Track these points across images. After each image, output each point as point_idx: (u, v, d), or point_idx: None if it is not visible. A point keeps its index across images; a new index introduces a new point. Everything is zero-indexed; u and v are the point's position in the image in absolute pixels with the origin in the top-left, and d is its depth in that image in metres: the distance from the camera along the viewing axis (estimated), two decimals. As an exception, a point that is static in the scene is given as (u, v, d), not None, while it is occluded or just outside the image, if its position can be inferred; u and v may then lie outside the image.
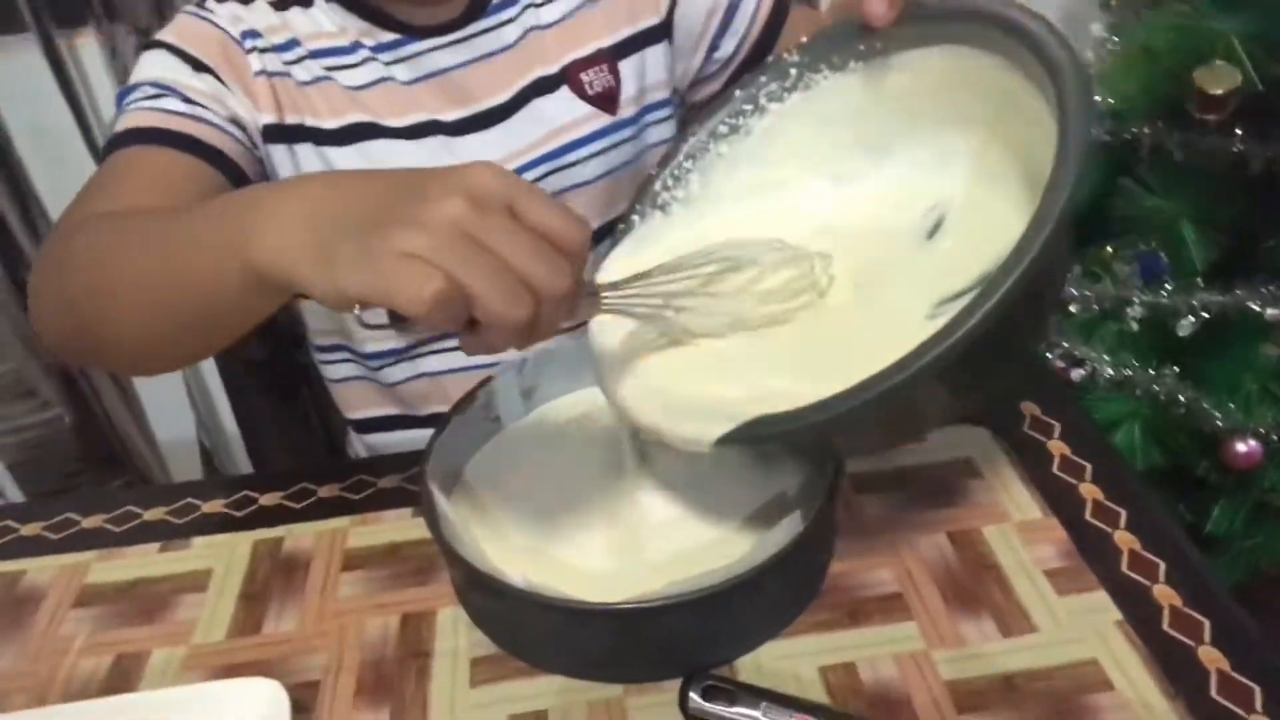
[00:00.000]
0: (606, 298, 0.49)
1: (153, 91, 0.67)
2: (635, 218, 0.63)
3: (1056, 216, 0.40)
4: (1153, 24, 1.23)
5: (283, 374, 0.99)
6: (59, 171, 1.31)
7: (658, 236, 0.61)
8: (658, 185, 0.63)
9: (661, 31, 0.79)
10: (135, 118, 0.66)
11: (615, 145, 0.78)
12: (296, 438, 1.14)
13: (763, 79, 0.61)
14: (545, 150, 0.76)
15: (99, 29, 1.23)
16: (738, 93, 0.62)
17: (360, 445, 0.91)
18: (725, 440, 0.48)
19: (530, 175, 0.76)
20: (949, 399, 0.48)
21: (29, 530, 0.69)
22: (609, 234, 0.80)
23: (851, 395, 0.43)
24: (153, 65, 0.70)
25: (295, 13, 0.74)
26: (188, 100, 0.67)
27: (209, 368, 1.44)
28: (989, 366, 0.46)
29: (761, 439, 0.48)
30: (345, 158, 0.73)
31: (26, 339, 1.38)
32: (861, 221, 0.59)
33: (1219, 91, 1.14)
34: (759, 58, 0.81)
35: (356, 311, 0.41)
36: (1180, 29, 1.18)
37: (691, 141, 0.62)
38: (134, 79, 0.70)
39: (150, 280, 0.52)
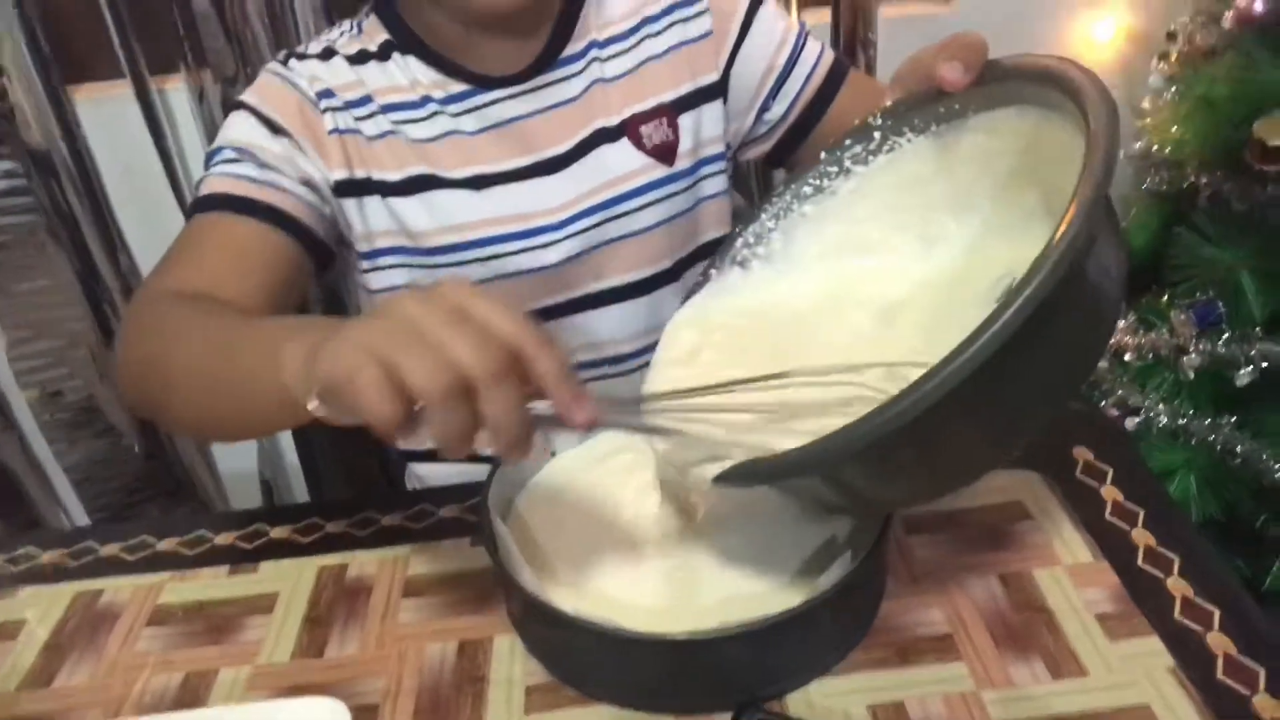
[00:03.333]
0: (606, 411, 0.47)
1: (232, 156, 0.73)
2: (713, 271, 0.64)
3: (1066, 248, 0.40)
4: (1210, 75, 1.23)
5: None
6: (145, 210, 1.38)
7: (734, 290, 0.62)
8: (738, 243, 0.64)
9: (717, 89, 0.82)
10: (215, 182, 0.73)
11: (670, 196, 0.80)
12: (355, 470, 1.18)
13: (847, 142, 0.62)
14: (602, 198, 0.79)
15: (188, 74, 1.30)
16: (823, 155, 0.62)
17: (415, 478, 0.93)
18: (721, 480, 0.48)
19: (587, 222, 0.78)
20: (978, 437, 0.46)
21: (107, 551, 0.72)
22: (662, 284, 0.82)
23: (829, 438, 0.42)
24: (235, 127, 0.75)
25: (371, 67, 0.78)
26: (262, 165, 0.73)
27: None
28: (1011, 398, 0.44)
29: (757, 479, 0.48)
30: (409, 208, 0.77)
31: (105, 369, 1.44)
32: (939, 283, 0.58)
33: (1278, 142, 1.13)
34: (809, 123, 0.83)
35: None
36: (1238, 81, 1.18)
37: (776, 202, 0.63)
38: (219, 140, 0.75)
39: (204, 382, 0.60)
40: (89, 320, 1.40)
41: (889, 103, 0.60)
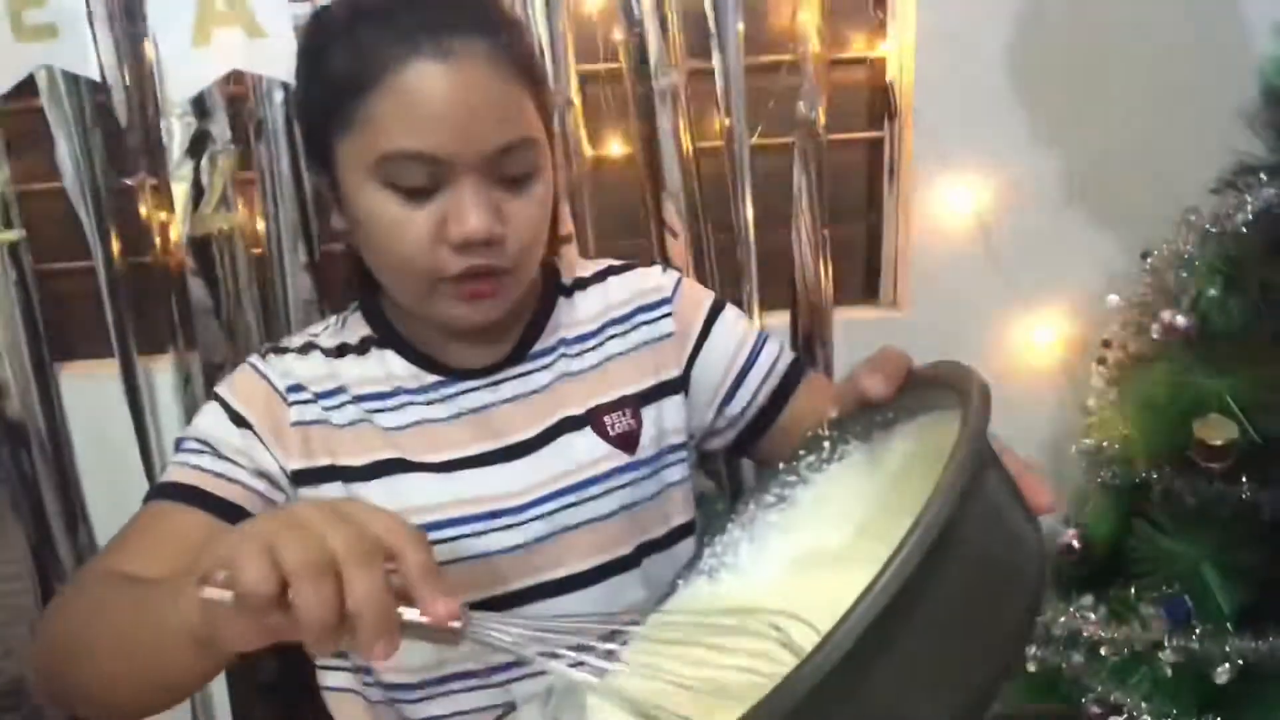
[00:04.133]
0: (475, 622, 0.48)
1: (194, 446, 0.77)
2: (679, 582, 0.64)
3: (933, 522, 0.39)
4: (1147, 380, 1.30)
5: (290, 697, 0.97)
6: (112, 483, 1.38)
7: (700, 599, 0.62)
8: (706, 554, 0.64)
9: (679, 384, 0.86)
10: (173, 471, 0.76)
11: (633, 483, 0.82)
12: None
13: (801, 452, 0.64)
14: (566, 484, 0.81)
15: (176, 356, 1.35)
16: (781, 466, 0.64)
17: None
18: None
19: (549, 507, 0.80)
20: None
21: None
22: (622, 570, 0.82)
23: None
24: (204, 418, 0.79)
25: (349, 360, 0.83)
26: (220, 457, 0.76)
27: (219, 691, 1.40)
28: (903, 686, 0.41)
29: None
30: (371, 492, 0.78)
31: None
32: None
33: (1219, 442, 1.19)
34: (768, 418, 0.88)
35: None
36: (1173, 386, 1.25)
37: (742, 513, 0.64)
38: (189, 429, 0.80)
39: (115, 641, 0.60)
40: (34, 595, 1.35)
41: (833, 414, 0.63)
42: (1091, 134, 1.48)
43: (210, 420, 0.78)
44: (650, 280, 0.89)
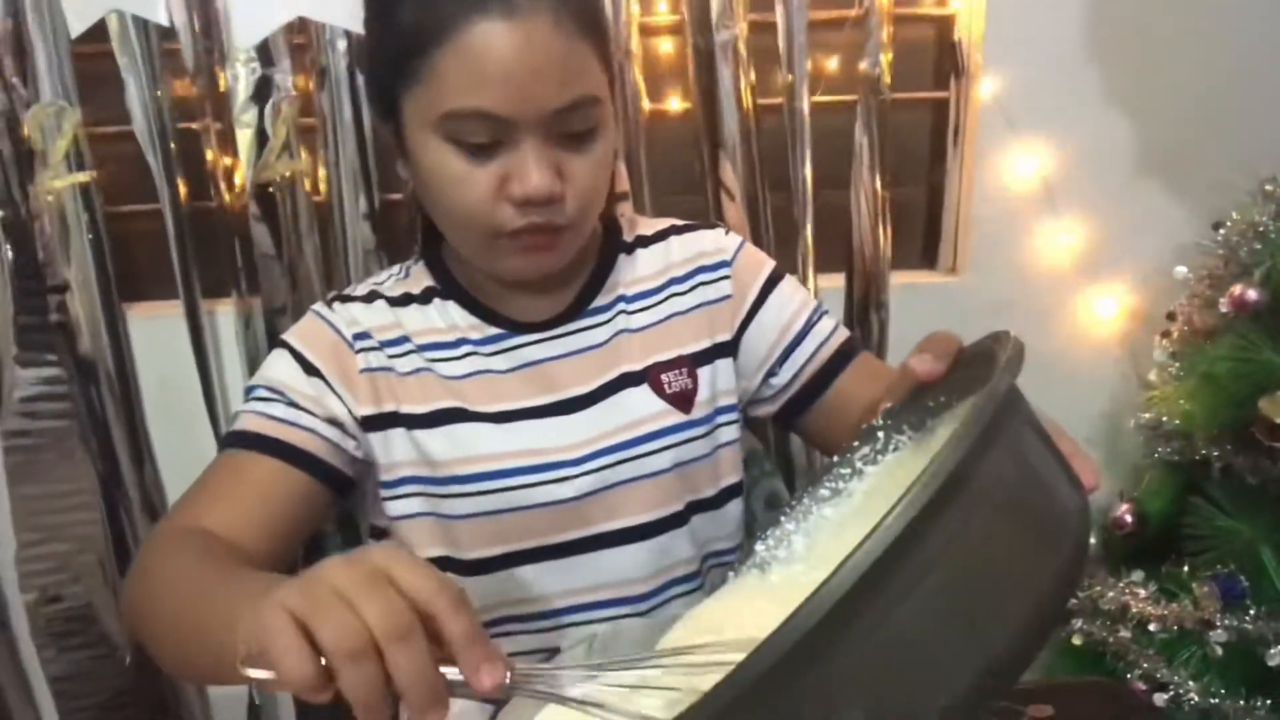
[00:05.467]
0: (521, 675, 0.45)
1: (266, 395, 0.78)
2: (731, 574, 0.64)
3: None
4: (1212, 354, 1.28)
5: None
6: (177, 423, 1.42)
7: (752, 593, 0.62)
8: (759, 546, 0.64)
9: (730, 347, 0.86)
10: (246, 420, 0.77)
11: (687, 441, 0.83)
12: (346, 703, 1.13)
13: (855, 444, 0.63)
14: (621, 439, 0.81)
15: (239, 300, 1.38)
16: (835, 459, 0.64)
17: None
18: None
19: (603, 461, 0.80)
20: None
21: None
22: (672, 527, 0.83)
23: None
24: (273, 366, 0.80)
25: (412, 309, 0.84)
26: (292, 404, 0.77)
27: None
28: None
29: None
30: (432, 439, 0.80)
31: (110, 577, 1.42)
32: None
33: (1284, 420, 1.16)
34: (813, 393, 0.87)
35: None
36: (1239, 361, 1.22)
37: (796, 508, 0.64)
38: (257, 377, 0.81)
39: (177, 635, 0.61)
40: (102, 526, 1.41)
41: (887, 404, 0.63)
42: (1165, 98, 1.43)
43: (281, 368, 0.80)
44: (712, 242, 0.89)
